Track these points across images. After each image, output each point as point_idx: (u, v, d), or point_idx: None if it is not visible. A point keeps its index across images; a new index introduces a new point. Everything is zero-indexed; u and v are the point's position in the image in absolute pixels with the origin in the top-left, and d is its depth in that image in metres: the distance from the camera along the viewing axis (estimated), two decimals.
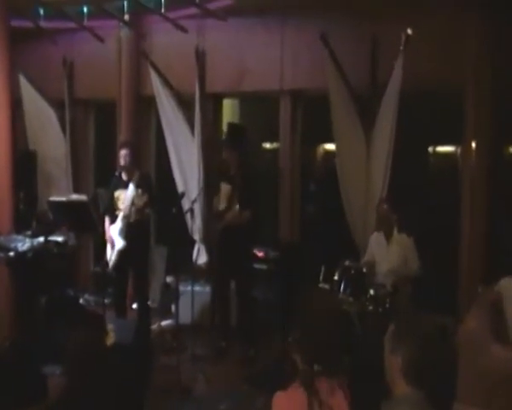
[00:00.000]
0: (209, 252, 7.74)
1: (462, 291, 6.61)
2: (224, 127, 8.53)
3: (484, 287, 4.91)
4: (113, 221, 6.80)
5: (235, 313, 7.06)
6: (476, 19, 6.53)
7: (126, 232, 6.70)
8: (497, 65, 6.43)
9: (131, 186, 6.66)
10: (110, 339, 4.86)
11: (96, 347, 3.68)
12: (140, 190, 6.66)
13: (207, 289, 7.56)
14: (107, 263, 6.88)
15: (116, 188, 6.85)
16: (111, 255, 6.80)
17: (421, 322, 2.55)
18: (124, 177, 6.81)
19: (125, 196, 6.69)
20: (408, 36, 6.54)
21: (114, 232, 6.76)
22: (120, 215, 6.71)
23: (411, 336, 2.45)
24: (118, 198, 6.80)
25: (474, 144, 6.58)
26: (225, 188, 6.82)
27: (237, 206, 6.61)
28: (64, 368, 3.62)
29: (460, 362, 3.93)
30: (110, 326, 5.16)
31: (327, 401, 2.70)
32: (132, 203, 6.66)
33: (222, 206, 6.82)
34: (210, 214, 7.25)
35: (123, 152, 6.79)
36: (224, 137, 7.22)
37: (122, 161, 6.78)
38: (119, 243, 6.71)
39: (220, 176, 6.98)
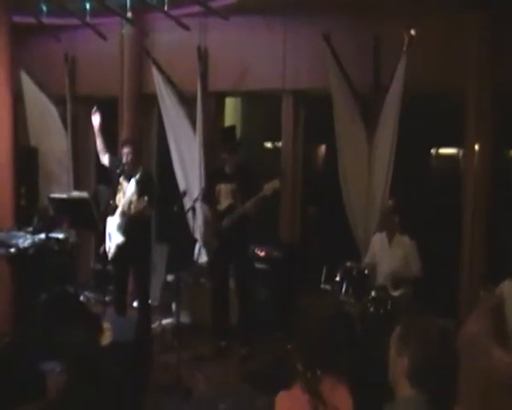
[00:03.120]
0: (208, 253, 7.74)
1: (463, 294, 6.60)
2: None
3: (485, 290, 4.92)
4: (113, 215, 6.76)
5: (235, 312, 7.07)
6: (478, 21, 6.51)
7: (125, 228, 6.67)
8: (499, 67, 6.42)
9: (133, 182, 6.62)
10: (106, 338, 4.81)
11: (92, 345, 3.68)
12: (139, 189, 6.59)
13: (208, 287, 7.55)
14: (104, 252, 6.85)
15: (120, 175, 6.78)
16: (109, 248, 6.77)
17: (429, 325, 2.53)
18: (126, 169, 6.76)
19: (126, 190, 6.65)
20: (411, 36, 6.52)
21: (112, 226, 6.74)
22: (119, 211, 6.68)
23: (419, 339, 2.43)
24: (121, 184, 6.75)
25: (476, 147, 6.57)
26: (225, 187, 6.84)
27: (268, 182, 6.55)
28: (63, 366, 3.63)
29: (461, 365, 3.93)
30: (107, 325, 5.11)
31: (330, 400, 2.70)
32: (131, 202, 6.61)
33: (223, 205, 6.84)
34: (209, 217, 7.21)
35: (125, 150, 6.77)
36: (222, 142, 7.22)
37: (124, 159, 6.76)
38: (118, 238, 6.68)
39: (215, 179, 7.01)
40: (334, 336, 2.83)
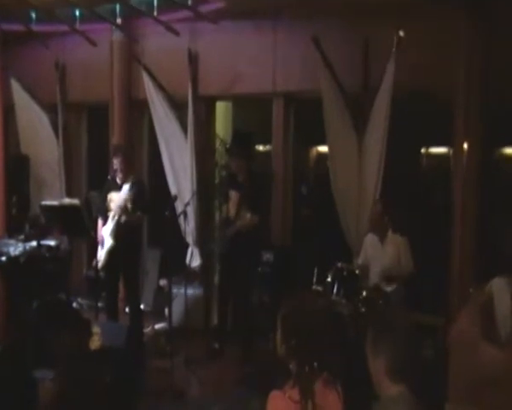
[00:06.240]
0: (210, 257, 7.71)
1: (453, 292, 6.61)
2: (218, 130, 8.54)
3: (475, 288, 4.93)
4: (105, 223, 6.79)
5: (229, 315, 7.07)
6: (466, 21, 6.54)
7: (116, 232, 6.68)
8: (487, 66, 6.44)
9: (125, 188, 6.63)
10: (95, 343, 4.78)
11: (81, 350, 3.67)
12: (132, 197, 6.61)
13: (200, 291, 7.55)
14: (97, 264, 6.86)
15: (109, 190, 6.83)
16: (100, 256, 6.79)
17: (396, 319, 2.64)
18: (118, 180, 6.80)
19: (118, 198, 6.67)
20: (400, 37, 6.54)
21: (106, 233, 6.74)
22: (111, 215, 6.69)
23: (389, 335, 2.52)
24: (110, 200, 6.77)
25: (465, 145, 6.59)
26: (234, 195, 6.85)
27: (248, 214, 6.55)
28: (55, 373, 3.61)
29: (451, 362, 3.93)
30: (96, 330, 5.07)
31: (321, 402, 2.71)
32: (124, 207, 6.63)
33: (232, 213, 6.85)
34: (220, 221, 7.19)
35: (116, 160, 6.76)
36: (228, 145, 7.24)
37: (116, 168, 6.77)
38: (109, 242, 6.69)
39: (229, 184, 7.01)
40: (329, 332, 2.84)
